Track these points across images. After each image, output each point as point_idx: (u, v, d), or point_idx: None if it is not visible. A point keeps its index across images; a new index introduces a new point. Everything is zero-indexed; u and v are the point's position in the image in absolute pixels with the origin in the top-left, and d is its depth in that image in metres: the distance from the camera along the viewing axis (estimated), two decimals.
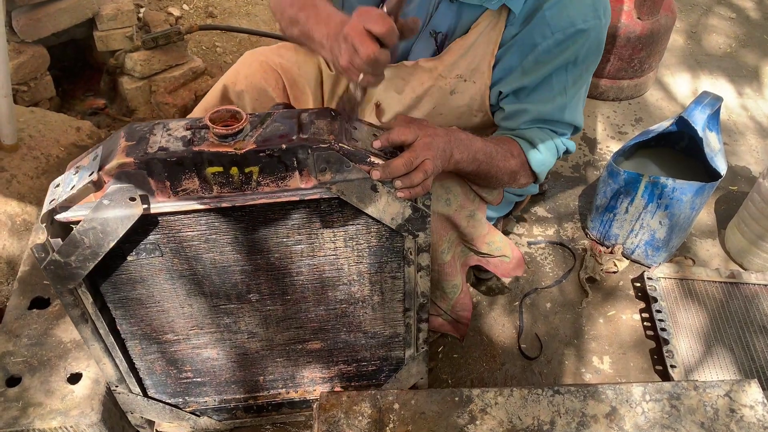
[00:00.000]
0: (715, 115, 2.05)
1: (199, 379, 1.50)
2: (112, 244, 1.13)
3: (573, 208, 2.36)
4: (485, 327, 1.94)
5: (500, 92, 1.45)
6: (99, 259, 1.14)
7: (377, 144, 1.15)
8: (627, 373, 1.84)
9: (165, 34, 2.58)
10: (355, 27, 1.04)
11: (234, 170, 1.09)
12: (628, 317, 1.99)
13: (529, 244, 2.22)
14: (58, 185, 1.14)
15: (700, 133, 1.96)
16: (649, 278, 1.99)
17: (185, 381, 1.50)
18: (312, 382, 1.56)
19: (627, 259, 2.14)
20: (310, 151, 1.07)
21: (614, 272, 2.10)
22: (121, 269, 1.24)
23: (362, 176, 1.11)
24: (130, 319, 1.33)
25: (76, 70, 2.81)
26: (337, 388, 1.59)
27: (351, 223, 1.21)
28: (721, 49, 3.34)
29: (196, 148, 1.07)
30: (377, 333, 1.45)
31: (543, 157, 1.44)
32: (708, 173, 2.01)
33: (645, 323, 1.97)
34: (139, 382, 1.46)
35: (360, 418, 1.31)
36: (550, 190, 2.44)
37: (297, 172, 1.10)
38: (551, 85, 1.39)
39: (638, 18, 2.64)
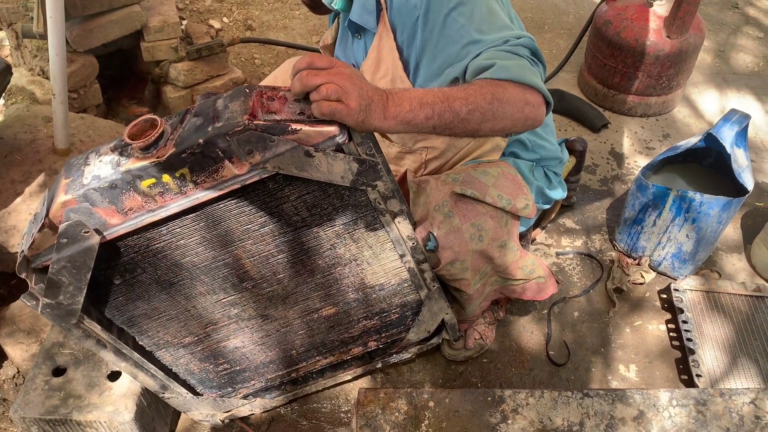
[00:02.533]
0: (742, 132, 2.03)
1: (237, 368, 1.56)
2: (88, 276, 1.17)
3: (601, 221, 2.36)
4: (514, 333, 1.95)
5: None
6: (84, 291, 1.19)
7: (291, 93, 1.11)
8: (653, 382, 1.85)
9: (208, 45, 2.66)
10: None
11: (166, 177, 1.09)
12: (654, 327, 1.99)
13: (558, 254, 2.21)
14: (24, 235, 1.20)
15: (728, 150, 1.95)
16: (676, 290, 1.99)
17: (225, 372, 1.57)
18: (343, 344, 1.58)
19: (654, 271, 2.13)
20: (229, 138, 1.06)
21: (641, 283, 2.10)
22: (116, 293, 1.29)
23: (290, 147, 1.08)
24: (146, 334, 1.40)
25: (122, 79, 2.93)
26: (371, 343, 1.60)
27: (306, 192, 1.19)
28: (749, 68, 3.26)
29: (122, 168, 1.08)
30: (383, 284, 1.44)
31: (501, 64, 1.22)
32: (735, 189, 2.01)
33: (671, 334, 1.97)
34: (184, 384, 1.54)
35: (396, 414, 1.34)
36: (579, 203, 2.41)
37: (227, 161, 1.09)
38: (451, 37, 1.33)
39: (667, 37, 2.59)
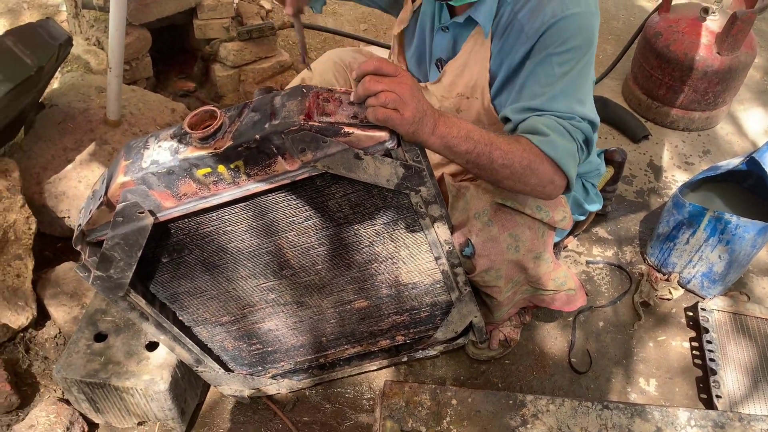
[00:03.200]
0: None
1: (269, 349, 1.63)
2: (139, 253, 1.23)
3: (633, 233, 2.36)
4: (538, 338, 1.98)
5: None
6: (134, 267, 1.26)
7: (353, 96, 1.15)
8: (672, 398, 1.86)
9: (259, 27, 2.71)
10: None
11: (221, 168, 1.14)
12: (677, 344, 2.00)
13: (588, 263, 2.23)
14: (82, 210, 1.26)
15: None
16: (703, 309, 1.99)
17: (257, 352, 1.63)
18: (372, 335, 1.63)
19: (682, 288, 2.14)
20: (284, 136, 1.10)
21: (668, 299, 2.11)
22: (162, 270, 1.35)
23: (341, 148, 1.12)
24: (187, 310, 1.46)
25: (172, 54, 3.00)
26: (399, 337, 1.65)
27: (351, 191, 1.23)
28: None
29: (181, 156, 1.13)
30: (417, 283, 1.48)
31: (554, 139, 1.27)
32: None
33: (694, 352, 1.98)
34: (217, 360, 1.61)
35: (420, 408, 1.38)
36: (612, 213, 2.42)
37: (280, 157, 1.13)
38: (537, 78, 1.33)
39: (717, 53, 2.56)
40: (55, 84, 2.48)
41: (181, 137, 1.16)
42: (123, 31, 2.00)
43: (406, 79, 1.10)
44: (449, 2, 1.40)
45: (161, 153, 1.16)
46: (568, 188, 1.34)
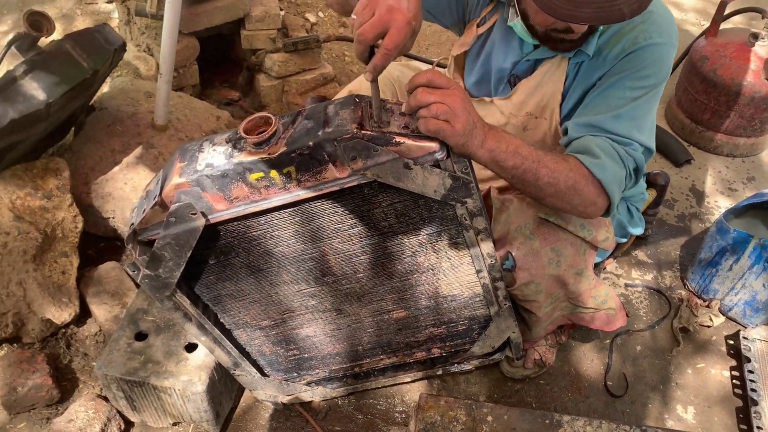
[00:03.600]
0: None
1: (306, 355, 1.65)
2: (189, 254, 1.27)
3: (674, 257, 2.35)
4: (574, 359, 1.98)
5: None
6: (182, 267, 1.29)
7: (404, 107, 1.17)
8: (710, 427, 1.84)
9: (305, 40, 2.77)
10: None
11: (273, 173, 1.17)
12: (717, 372, 1.98)
13: (626, 285, 2.22)
14: (135, 209, 1.30)
15: None
16: (745, 338, 1.97)
17: (294, 358, 1.65)
18: (408, 347, 1.65)
19: (723, 315, 2.11)
20: (336, 144, 1.13)
21: (708, 326, 2.09)
22: (208, 272, 1.39)
23: (392, 158, 1.14)
24: (229, 312, 1.50)
25: (217, 62, 3.07)
26: (435, 350, 1.66)
27: (398, 200, 1.25)
28: None
29: (235, 160, 1.17)
30: (456, 296, 1.49)
31: (604, 162, 1.29)
32: None
33: (734, 381, 1.95)
34: (254, 364, 1.64)
35: (455, 423, 1.39)
36: (653, 236, 2.41)
37: (331, 164, 1.16)
38: (606, 97, 1.35)
39: (766, 79, 2.55)
40: (105, 88, 2.56)
41: (235, 142, 1.20)
42: (175, 38, 2.06)
43: (458, 91, 1.13)
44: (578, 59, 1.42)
45: (216, 156, 1.19)
46: (608, 211, 1.36)
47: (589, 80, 1.42)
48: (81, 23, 3.30)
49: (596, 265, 2.03)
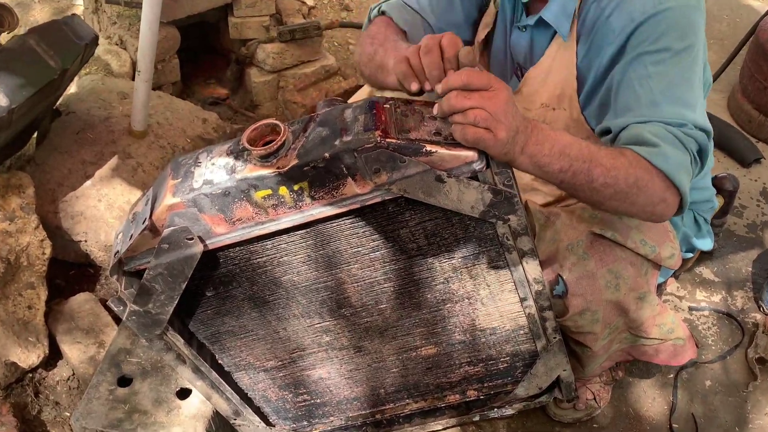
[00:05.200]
0: None
1: (318, 400, 1.65)
2: (183, 285, 1.27)
3: (745, 274, 2.33)
4: (632, 398, 1.97)
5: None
6: (176, 301, 1.30)
7: (436, 109, 1.18)
8: None
9: (303, 27, 2.78)
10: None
11: (283, 190, 1.18)
12: None
13: (691, 309, 2.22)
14: (119, 234, 1.31)
15: None
16: None
17: (304, 404, 1.66)
18: (439, 389, 1.65)
19: None
20: (356, 155, 1.13)
21: None
22: (204, 305, 1.40)
23: (421, 169, 1.15)
24: (229, 352, 1.50)
25: (199, 54, 3.09)
26: (470, 392, 1.66)
27: (428, 219, 1.26)
28: None
29: (238, 175, 1.17)
30: (496, 328, 1.49)
31: (665, 149, 1.27)
32: None
33: None
34: (257, 411, 1.64)
35: None
36: (720, 250, 2.40)
37: (350, 179, 1.17)
38: (630, 82, 1.36)
39: None
40: (72, 88, 2.58)
41: (238, 154, 1.21)
42: (156, 29, 2.08)
43: (501, 93, 1.12)
44: None
45: (215, 171, 1.20)
46: (680, 208, 1.34)
47: (601, 59, 1.43)
48: (39, 12, 3.33)
49: (658, 287, 2.03)
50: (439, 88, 1.16)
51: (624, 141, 1.32)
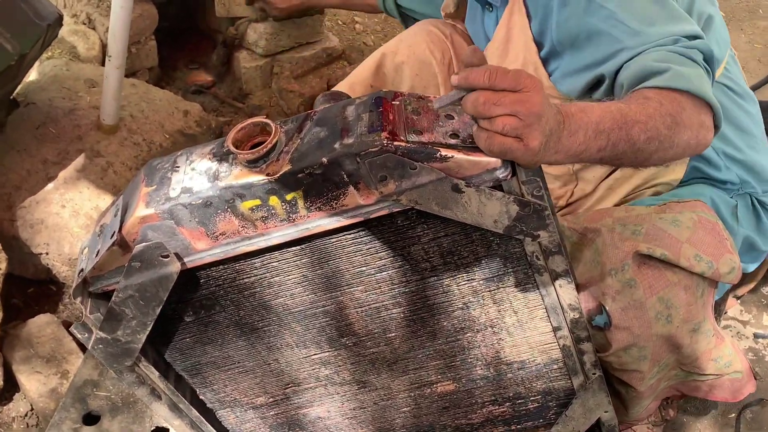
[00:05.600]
0: None
1: None
2: (158, 310, 1.30)
3: None
4: None
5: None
6: (149, 328, 1.32)
7: (453, 79, 1.15)
8: None
9: None
10: None
11: (273, 200, 1.20)
12: None
13: (756, 337, 2.22)
14: (85, 249, 1.34)
15: None
16: None
17: None
18: (458, 431, 1.66)
19: None
20: (359, 160, 1.15)
21: None
22: (183, 332, 1.42)
23: (435, 177, 1.16)
24: (212, 387, 1.52)
25: (181, 35, 3.11)
26: None
27: (443, 234, 1.28)
28: None
29: (222, 183, 1.19)
30: (525, 362, 1.50)
31: (677, 70, 1.33)
32: None
33: None
34: None
35: None
36: None
37: (352, 188, 1.18)
38: (597, 29, 1.44)
39: None
40: (32, 75, 2.61)
41: (222, 157, 1.23)
42: (130, 6, 2.10)
43: (535, 94, 1.10)
44: None
45: (195, 178, 1.22)
46: (717, 125, 1.40)
47: (547, 8, 1.51)
48: None
49: (715, 308, 2.03)
50: (455, 79, 1.14)
51: (630, 82, 1.37)
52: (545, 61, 1.60)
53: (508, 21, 1.60)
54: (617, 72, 1.43)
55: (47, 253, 2.19)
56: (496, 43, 1.64)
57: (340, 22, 3.33)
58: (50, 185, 2.23)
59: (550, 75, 1.60)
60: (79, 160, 2.28)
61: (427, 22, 2.01)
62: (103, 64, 2.50)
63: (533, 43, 1.58)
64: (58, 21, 2.10)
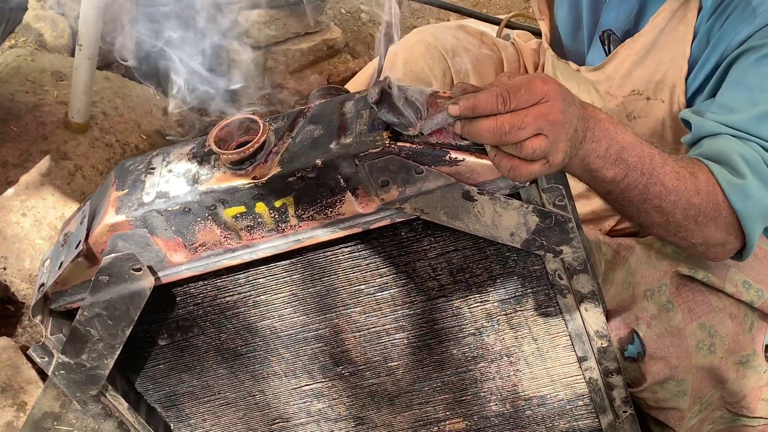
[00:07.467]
0: None
1: None
2: (128, 331, 1.31)
3: None
4: None
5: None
6: (117, 352, 1.34)
7: (452, 110, 1.13)
8: None
9: None
10: None
11: (260, 207, 1.21)
12: None
13: None
14: (46, 261, 1.35)
15: None
16: None
17: None
18: None
19: None
20: (358, 162, 1.16)
21: None
22: (156, 358, 1.43)
23: (444, 183, 1.17)
24: (188, 421, 1.54)
25: None
26: None
27: (453, 248, 1.29)
28: None
29: (202, 187, 1.21)
30: (545, 397, 1.51)
31: (749, 184, 1.31)
32: None
33: None
34: None
35: None
36: None
37: (349, 194, 1.20)
38: (747, 80, 1.37)
39: None
40: None
41: (203, 158, 1.24)
42: None
43: (556, 102, 1.09)
44: None
45: (172, 181, 1.24)
46: (740, 255, 1.38)
47: (731, 41, 1.42)
48: None
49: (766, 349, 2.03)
50: (455, 110, 1.11)
51: (704, 151, 1.34)
52: (690, 87, 1.54)
53: (664, 25, 1.51)
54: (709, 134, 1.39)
55: (5, 268, 2.20)
56: (638, 43, 1.55)
57: (344, 11, 3.34)
58: (10, 191, 2.25)
59: (688, 103, 1.54)
60: (44, 163, 2.29)
61: (424, 32, 1.99)
62: (72, 54, 2.53)
63: (686, 62, 1.51)
64: (22, 6, 2.13)
